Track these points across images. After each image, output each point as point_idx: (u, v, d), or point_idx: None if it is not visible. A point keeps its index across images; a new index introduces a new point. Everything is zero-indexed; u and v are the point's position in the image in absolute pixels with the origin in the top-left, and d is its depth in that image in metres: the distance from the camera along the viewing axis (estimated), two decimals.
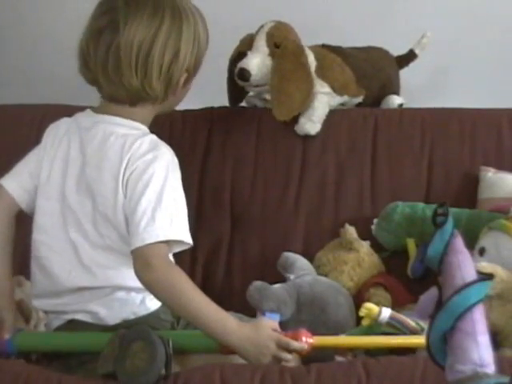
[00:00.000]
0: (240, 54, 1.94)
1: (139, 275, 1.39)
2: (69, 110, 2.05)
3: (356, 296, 1.74)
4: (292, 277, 1.73)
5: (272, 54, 1.91)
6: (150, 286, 1.39)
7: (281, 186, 1.96)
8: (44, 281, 1.54)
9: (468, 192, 1.90)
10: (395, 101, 2.09)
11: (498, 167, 1.90)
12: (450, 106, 2.03)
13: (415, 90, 2.16)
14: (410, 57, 2.13)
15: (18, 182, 1.61)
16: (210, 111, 2.06)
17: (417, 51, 2.12)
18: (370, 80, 2.04)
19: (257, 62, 1.89)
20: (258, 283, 1.65)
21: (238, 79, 1.91)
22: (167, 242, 1.41)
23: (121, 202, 1.46)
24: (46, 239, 1.54)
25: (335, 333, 1.53)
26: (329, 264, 1.79)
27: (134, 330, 1.32)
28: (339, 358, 1.45)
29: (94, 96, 2.07)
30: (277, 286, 1.67)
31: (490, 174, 1.88)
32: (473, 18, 2.22)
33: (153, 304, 1.49)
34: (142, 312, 1.48)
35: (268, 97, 1.97)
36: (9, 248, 1.59)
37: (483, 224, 1.70)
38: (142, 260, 1.38)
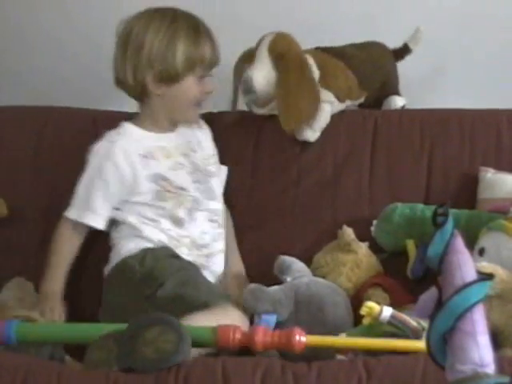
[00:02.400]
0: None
1: None
2: (71, 113, 2.07)
3: (354, 297, 1.74)
4: (289, 279, 1.73)
5: (275, 65, 1.90)
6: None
7: (279, 188, 1.96)
8: None
9: (467, 192, 1.90)
10: (398, 102, 2.08)
11: (497, 167, 1.90)
12: (449, 107, 2.03)
13: (415, 91, 2.16)
14: (404, 51, 2.11)
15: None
16: (208, 116, 2.06)
17: (411, 46, 2.12)
18: (371, 80, 2.04)
19: (261, 75, 1.88)
20: (252, 286, 1.66)
21: (242, 93, 1.92)
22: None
23: None
24: None
25: (333, 332, 1.53)
26: (327, 266, 1.79)
27: (137, 321, 1.38)
28: (340, 357, 1.45)
29: (96, 98, 2.08)
30: (273, 287, 1.67)
31: (490, 175, 1.88)
32: (472, 17, 2.21)
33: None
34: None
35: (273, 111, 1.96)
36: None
37: (483, 224, 1.70)
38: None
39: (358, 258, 1.79)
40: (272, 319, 1.55)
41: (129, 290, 1.71)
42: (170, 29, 1.79)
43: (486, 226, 1.68)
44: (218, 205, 1.88)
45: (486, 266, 1.51)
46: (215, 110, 2.05)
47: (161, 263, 1.71)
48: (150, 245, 1.76)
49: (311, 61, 1.94)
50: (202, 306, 1.57)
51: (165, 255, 1.74)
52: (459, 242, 1.18)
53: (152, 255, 1.73)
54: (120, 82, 1.83)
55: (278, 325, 1.60)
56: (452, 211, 1.38)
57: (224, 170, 1.95)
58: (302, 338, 1.43)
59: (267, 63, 1.90)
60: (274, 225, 1.94)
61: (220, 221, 1.87)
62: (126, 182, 1.78)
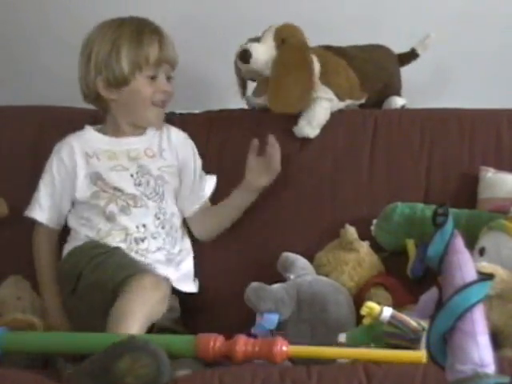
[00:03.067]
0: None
1: None
2: (69, 112, 2.07)
3: (356, 296, 1.74)
4: (292, 276, 1.73)
5: (278, 48, 1.91)
6: None
7: (279, 187, 1.96)
8: None
9: (467, 192, 1.90)
10: (398, 102, 2.08)
11: (497, 167, 1.90)
12: (449, 107, 2.03)
13: (415, 91, 2.16)
14: (411, 56, 2.11)
15: None
16: (208, 114, 2.06)
17: (419, 51, 2.11)
18: (373, 81, 2.03)
19: (261, 49, 1.90)
20: (254, 284, 1.65)
21: (238, 59, 1.92)
22: None
23: None
24: None
25: (335, 331, 1.53)
26: (329, 264, 1.79)
27: (106, 354, 1.33)
28: (340, 360, 1.45)
29: None
30: (275, 285, 1.67)
31: (490, 174, 1.88)
32: (473, 18, 2.21)
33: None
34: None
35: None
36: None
37: (483, 224, 1.70)
38: None
39: (360, 256, 1.79)
40: (274, 318, 1.55)
41: (63, 291, 1.78)
42: (114, 34, 1.86)
43: (486, 225, 1.68)
44: (166, 206, 1.88)
45: (486, 265, 1.51)
46: (215, 109, 2.06)
47: (80, 256, 1.75)
48: (78, 243, 1.80)
49: (314, 56, 1.95)
50: (117, 285, 1.59)
51: (88, 247, 1.77)
52: (459, 242, 1.18)
53: (76, 252, 1.78)
54: (83, 95, 1.92)
55: (279, 323, 1.60)
56: (452, 211, 1.38)
57: (212, 178, 1.94)
58: (283, 348, 1.41)
59: (270, 42, 1.92)
60: (275, 223, 1.94)
61: (168, 223, 1.87)
62: (68, 176, 1.85)
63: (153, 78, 1.87)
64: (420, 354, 1.33)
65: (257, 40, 1.94)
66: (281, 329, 1.58)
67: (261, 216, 1.95)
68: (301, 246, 1.88)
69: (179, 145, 1.95)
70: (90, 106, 1.99)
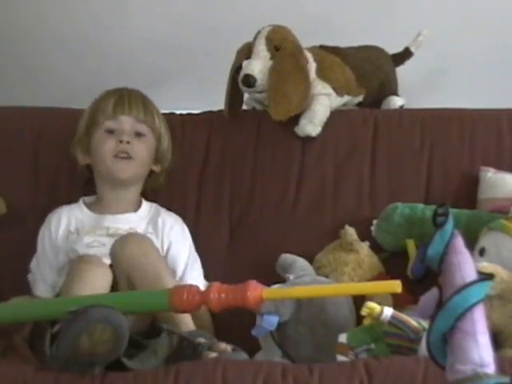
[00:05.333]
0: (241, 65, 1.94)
1: None
2: (71, 113, 2.06)
3: (357, 297, 1.74)
4: (291, 277, 1.73)
5: (273, 58, 1.91)
6: None
7: (280, 188, 1.96)
8: None
9: (468, 192, 1.90)
10: (396, 102, 2.08)
11: (497, 167, 1.90)
12: (449, 107, 2.03)
13: (415, 91, 2.16)
14: (405, 55, 2.13)
15: None
16: (209, 115, 2.06)
17: (412, 49, 2.12)
18: (369, 78, 2.04)
19: (260, 68, 1.90)
20: None
21: (242, 86, 1.92)
22: None
23: None
24: None
25: (335, 332, 1.53)
26: (329, 265, 1.79)
27: (65, 336, 1.33)
28: (341, 358, 1.45)
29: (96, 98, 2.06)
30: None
31: (490, 174, 1.88)
32: (472, 17, 2.22)
33: None
34: None
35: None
36: None
37: (483, 224, 1.69)
38: None
39: (360, 257, 1.79)
40: (274, 319, 1.54)
41: None
42: (89, 107, 1.90)
43: (486, 226, 1.68)
44: None
45: (487, 266, 1.51)
46: (215, 109, 2.06)
47: None
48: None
49: (309, 55, 1.96)
50: None
51: None
52: (459, 242, 1.18)
53: None
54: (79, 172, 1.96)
55: (279, 325, 1.59)
56: (452, 211, 1.38)
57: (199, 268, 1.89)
58: (257, 291, 1.41)
59: (264, 53, 1.92)
60: (275, 224, 1.94)
61: None
62: (53, 248, 1.84)
63: (111, 131, 1.86)
64: (396, 283, 1.36)
65: (248, 51, 1.93)
66: (280, 330, 1.58)
67: (261, 216, 1.95)
68: (301, 247, 1.88)
69: (167, 229, 1.87)
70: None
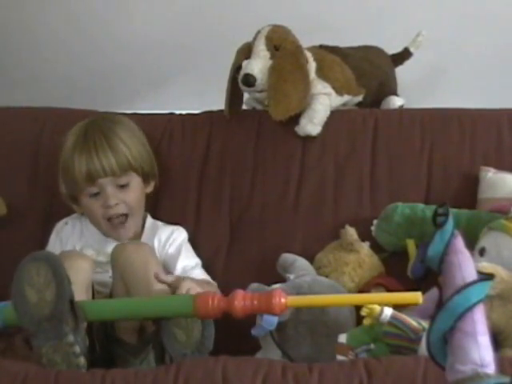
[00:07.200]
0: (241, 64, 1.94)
1: None
2: (71, 113, 2.07)
3: None
4: (292, 277, 1.73)
5: (273, 57, 1.92)
6: None
7: (280, 188, 1.96)
8: None
9: (468, 192, 1.90)
10: (396, 102, 2.09)
11: (497, 167, 1.90)
12: (449, 106, 2.03)
13: (415, 90, 2.17)
14: (404, 55, 2.14)
15: None
16: (209, 115, 2.06)
17: (412, 49, 2.13)
18: (369, 78, 2.05)
19: (260, 67, 1.90)
20: (254, 285, 1.65)
21: (243, 85, 1.92)
22: None
23: None
24: None
25: (335, 332, 1.53)
26: (329, 265, 1.79)
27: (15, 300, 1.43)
28: (341, 358, 1.45)
29: (96, 98, 2.07)
30: (275, 286, 1.66)
31: (490, 174, 1.88)
32: (472, 17, 2.22)
33: None
34: None
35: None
36: None
37: (483, 224, 1.69)
38: None
39: (360, 257, 1.79)
40: (274, 319, 1.54)
41: None
42: (63, 149, 1.84)
43: (486, 226, 1.68)
44: None
45: (487, 266, 1.51)
46: (215, 109, 2.06)
47: None
48: None
49: (308, 54, 1.96)
50: None
51: None
52: (459, 242, 1.18)
53: None
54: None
55: (279, 324, 1.59)
56: (452, 211, 1.38)
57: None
58: (282, 299, 1.43)
59: (264, 53, 1.92)
60: (275, 224, 1.94)
61: None
62: None
63: (96, 194, 1.80)
64: (417, 294, 1.37)
65: (248, 51, 1.94)
66: (280, 330, 1.58)
67: (261, 216, 1.95)
68: (301, 247, 1.89)
69: (165, 245, 1.86)
70: (90, 107, 1.99)
